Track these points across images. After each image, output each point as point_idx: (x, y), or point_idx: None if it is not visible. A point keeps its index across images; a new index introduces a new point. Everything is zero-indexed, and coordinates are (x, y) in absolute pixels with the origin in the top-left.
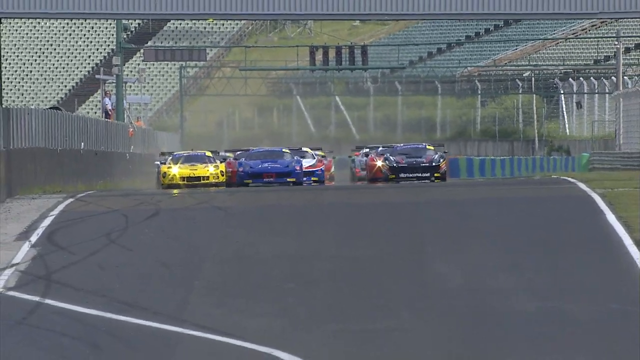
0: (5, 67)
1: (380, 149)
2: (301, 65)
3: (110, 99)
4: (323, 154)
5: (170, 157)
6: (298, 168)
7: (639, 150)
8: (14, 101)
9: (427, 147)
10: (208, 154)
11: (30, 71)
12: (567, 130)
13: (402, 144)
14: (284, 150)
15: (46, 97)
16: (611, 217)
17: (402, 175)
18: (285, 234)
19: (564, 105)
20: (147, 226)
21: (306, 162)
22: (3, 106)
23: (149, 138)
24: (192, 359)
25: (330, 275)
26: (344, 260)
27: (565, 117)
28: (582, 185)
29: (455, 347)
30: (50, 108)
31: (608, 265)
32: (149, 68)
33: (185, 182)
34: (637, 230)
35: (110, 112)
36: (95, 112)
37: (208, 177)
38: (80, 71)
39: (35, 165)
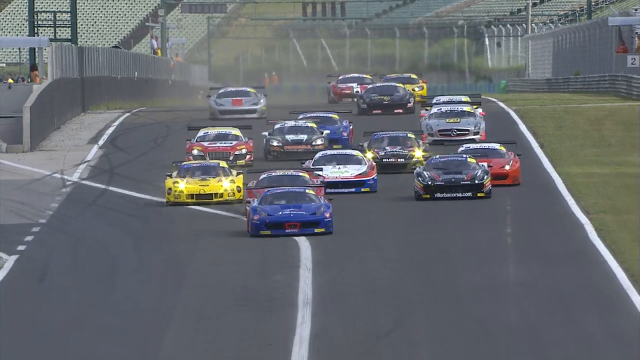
0: (79, 16)
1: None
2: (296, 16)
3: (156, 41)
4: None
5: (177, 170)
6: (328, 215)
7: (542, 78)
8: (85, 42)
9: (468, 159)
10: (223, 164)
11: (98, 19)
12: (490, 64)
13: (438, 156)
14: (307, 190)
15: (109, 39)
16: (522, 127)
17: (438, 195)
18: None
19: (487, 45)
20: (184, 133)
21: (355, 170)
22: (78, 45)
23: (185, 69)
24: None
25: None
26: None
27: (489, 54)
28: (501, 104)
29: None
30: (112, 47)
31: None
32: (185, 18)
33: (194, 200)
34: (540, 135)
35: (156, 51)
36: (146, 50)
37: (222, 194)
38: (134, 20)
39: (101, 89)
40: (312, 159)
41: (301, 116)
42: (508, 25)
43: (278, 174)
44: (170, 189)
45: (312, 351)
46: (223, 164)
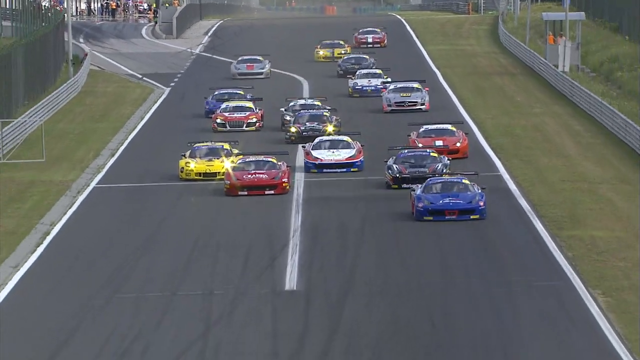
0: None
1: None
2: None
3: None
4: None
5: (190, 150)
6: (482, 204)
7: (417, 4)
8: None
9: (431, 154)
10: (226, 146)
11: None
12: None
13: (406, 151)
14: (464, 180)
15: None
16: (407, 27)
17: (404, 185)
18: None
19: None
20: (253, 30)
21: (346, 153)
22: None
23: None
24: None
25: None
26: None
27: None
28: (397, 16)
29: None
30: None
31: (408, 54)
32: None
33: (202, 178)
34: (415, 30)
35: None
36: None
37: (223, 173)
38: None
39: (209, 9)
40: (311, 143)
41: (216, 92)
42: None
43: (251, 159)
44: (182, 167)
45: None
46: (227, 146)
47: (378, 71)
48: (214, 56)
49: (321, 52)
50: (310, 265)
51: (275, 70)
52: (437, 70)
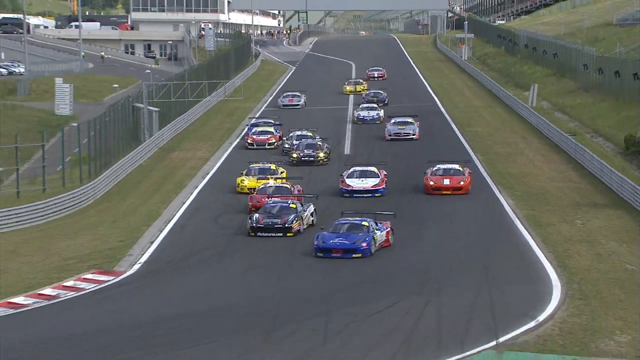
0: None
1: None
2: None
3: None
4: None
5: (246, 169)
6: (365, 245)
7: (401, 30)
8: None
9: (291, 205)
10: (273, 167)
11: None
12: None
13: (270, 201)
14: (363, 222)
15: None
16: (398, 41)
17: (259, 234)
18: None
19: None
20: (330, 42)
21: (372, 182)
22: (307, 24)
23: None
24: None
25: None
26: None
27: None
28: (393, 35)
29: None
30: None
31: (397, 54)
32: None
33: (254, 192)
34: (403, 44)
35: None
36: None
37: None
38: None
39: (312, 33)
40: (347, 171)
41: (253, 120)
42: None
43: (269, 184)
44: (238, 183)
45: None
46: (273, 166)
47: (374, 105)
48: (315, 53)
49: (348, 88)
50: (355, 142)
51: (337, 58)
52: (410, 60)
